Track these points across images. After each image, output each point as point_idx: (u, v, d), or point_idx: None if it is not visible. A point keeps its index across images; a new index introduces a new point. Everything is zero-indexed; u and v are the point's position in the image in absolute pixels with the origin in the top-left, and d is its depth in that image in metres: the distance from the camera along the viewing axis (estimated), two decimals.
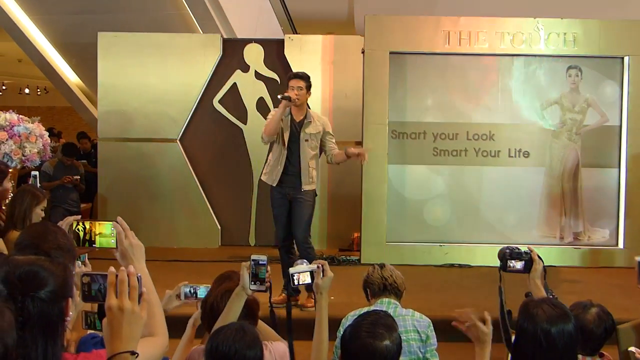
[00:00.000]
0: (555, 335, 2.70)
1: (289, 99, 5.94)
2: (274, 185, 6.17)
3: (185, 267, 7.72)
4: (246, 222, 9.48)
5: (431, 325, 3.92)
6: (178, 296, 3.61)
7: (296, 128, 6.12)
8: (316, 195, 6.32)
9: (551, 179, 8.54)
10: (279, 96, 6.03)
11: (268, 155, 6.37)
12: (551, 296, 3.50)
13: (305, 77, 6.11)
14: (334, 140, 6.29)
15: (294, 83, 6.07)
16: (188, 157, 9.36)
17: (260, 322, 3.24)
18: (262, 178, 6.38)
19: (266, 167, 6.30)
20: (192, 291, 3.54)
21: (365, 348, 2.62)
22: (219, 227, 9.40)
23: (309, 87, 6.14)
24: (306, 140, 6.12)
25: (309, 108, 6.29)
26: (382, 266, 4.07)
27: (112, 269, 1.91)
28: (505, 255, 3.48)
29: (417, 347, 3.82)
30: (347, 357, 2.69)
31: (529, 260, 3.44)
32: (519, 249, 3.50)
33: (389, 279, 3.98)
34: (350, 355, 2.67)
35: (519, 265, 3.47)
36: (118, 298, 1.88)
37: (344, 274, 7.18)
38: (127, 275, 1.91)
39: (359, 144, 8.54)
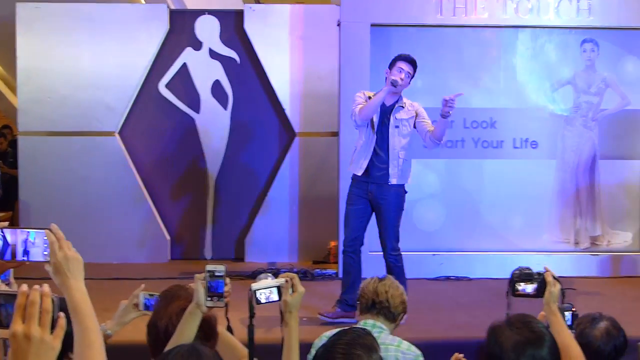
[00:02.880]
0: None
1: (395, 83, 6.29)
2: (360, 174, 6.48)
3: (129, 285, 7.58)
4: (201, 232, 9.50)
5: (420, 358, 3.87)
6: (136, 305, 3.62)
7: (386, 113, 6.47)
8: (406, 192, 6.57)
9: (564, 173, 8.65)
10: (393, 82, 6.27)
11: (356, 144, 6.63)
12: (572, 310, 3.56)
13: (415, 64, 6.47)
14: (429, 121, 6.57)
15: (404, 65, 6.41)
16: (129, 153, 9.35)
17: (221, 332, 3.26)
18: (348, 169, 6.71)
19: (353, 155, 6.63)
20: (148, 304, 3.56)
21: None
22: (168, 238, 9.41)
23: (414, 76, 6.51)
24: (396, 127, 6.47)
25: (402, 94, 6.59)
26: (382, 278, 4.08)
27: (24, 287, 1.88)
28: (514, 277, 3.50)
29: None
30: None
31: (542, 282, 3.45)
32: (530, 270, 3.51)
33: (380, 295, 3.96)
34: None
35: (529, 288, 3.48)
36: (25, 324, 1.84)
37: (319, 290, 7.26)
38: (40, 297, 1.87)
39: (335, 134, 8.60)
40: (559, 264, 8.34)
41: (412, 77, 6.48)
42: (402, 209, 6.55)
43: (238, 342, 3.36)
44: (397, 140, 6.46)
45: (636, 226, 8.64)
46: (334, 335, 2.79)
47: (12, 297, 1.90)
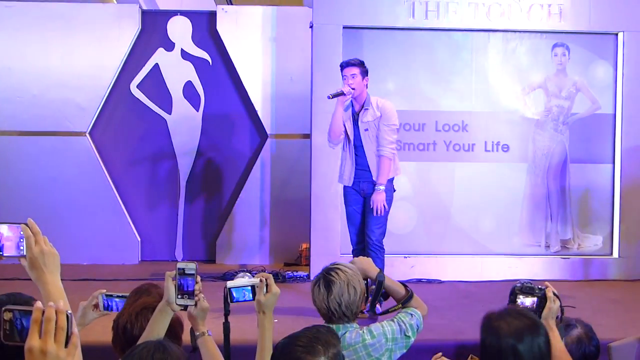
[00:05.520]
0: (522, 352, 2.78)
1: (341, 94, 6.50)
2: (350, 185, 6.80)
3: (98, 287, 7.58)
4: (172, 233, 9.46)
5: (383, 338, 3.68)
6: (96, 306, 3.60)
7: (356, 118, 6.69)
8: (394, 190, 6.94)
9: (535, 177, 8.68)
10: (328, 96, 6.55)
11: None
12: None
13: (357, 63, 6.66)
14: (388, 131, 6.68)
15: (346, 72, 6.63)
16: (100, 154, 9.29)
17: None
18: (338, 181, 7.02)
19: (340, 167, 6.97)
20: (107, 304, 3.53)
21: None
22: (139, 239, 9.35)
23: (364, 72, 6.68)
24: (366, 130, 6.68)
25: (369, 94, 6.78)
26: (328, 288, 3.65)
27: (38, 304, 1.91)
28: (515, 290, 3.51)
29: None
30: None
31: (541, 298, 3.45)
32: (531, 284, 3.52)
33: (335, 312, 3.65)
34: None
35: (529, 302, 3.49)
36: (42, 339, 1.88)
37: (290, 292, 7.24)
38: (56, 313, 1.90)
39: (307, 136, 8.58)
40: (530, 266, 8.40)
41: (364, 74, 6.66)
42: (389, 203, 6.78)
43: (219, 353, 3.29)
44: (370, 143, 6.69)
45: (606, 230, 8.69)
46: (298, 331, 2.77)
47: (28, 313, 1.94)
